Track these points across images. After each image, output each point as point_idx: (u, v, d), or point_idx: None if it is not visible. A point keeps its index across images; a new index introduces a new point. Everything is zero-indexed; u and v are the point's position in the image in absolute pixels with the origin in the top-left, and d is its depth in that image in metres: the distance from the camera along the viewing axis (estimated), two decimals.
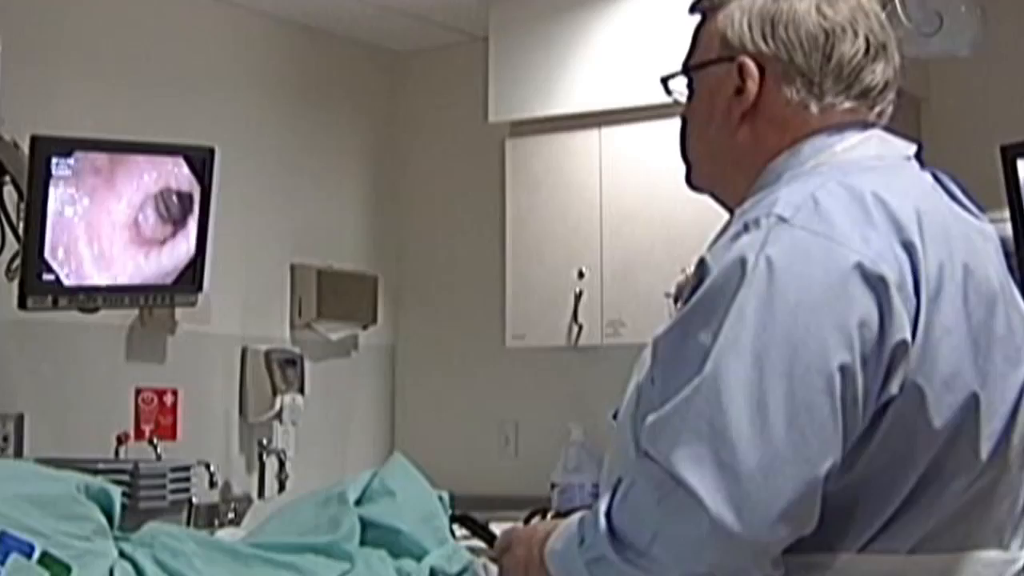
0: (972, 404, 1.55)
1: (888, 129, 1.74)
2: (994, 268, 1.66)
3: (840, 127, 1.67)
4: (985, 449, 1.58)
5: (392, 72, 5.58)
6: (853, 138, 1.67)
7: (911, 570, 1.56)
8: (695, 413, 1.46)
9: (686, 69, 1.79)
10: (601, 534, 1.53)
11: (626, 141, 4.64)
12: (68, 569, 2.36)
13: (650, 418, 1.52)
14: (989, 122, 4.37)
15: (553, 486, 4.46)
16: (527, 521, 1.88)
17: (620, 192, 4.64)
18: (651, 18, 4.59)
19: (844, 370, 1.47)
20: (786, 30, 1.66)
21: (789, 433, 1.44)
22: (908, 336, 1.51)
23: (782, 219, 1.53)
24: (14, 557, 2.26)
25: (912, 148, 1.73)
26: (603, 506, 1.55)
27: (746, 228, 1.56)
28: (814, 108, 1.67)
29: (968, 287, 1.58)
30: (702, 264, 1.57)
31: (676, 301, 1.96)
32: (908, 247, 1.54)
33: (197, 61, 4.80)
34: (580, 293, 4.69)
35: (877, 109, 1.71)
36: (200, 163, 4.00)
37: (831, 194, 1.56)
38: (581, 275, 4.69)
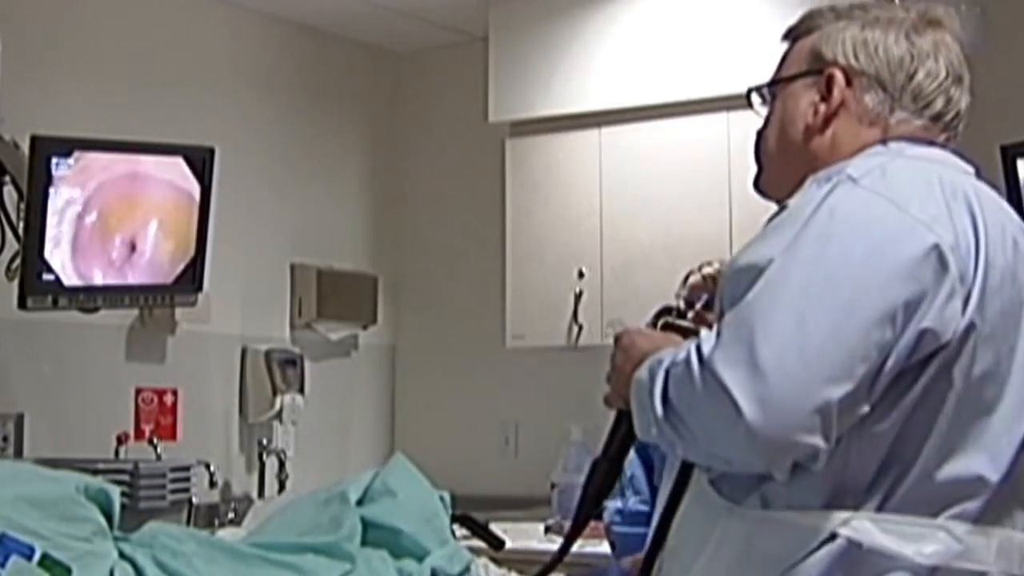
0: (1000, 368, 1.67)
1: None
2: None
3: (913, 139, 1.81)
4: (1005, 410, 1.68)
5: (392, 72, 5.58)
6: (923, 149, 1.80)
7: (936, 535, 1.63)
8: (740, 321, 1.61)
9: (774, 82, 1.93)
10: (658, 392, 1.66)
11: (626, 141, 4.64)
12: (68, 571, 2.36)
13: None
14: (989, 122, 4.35)
15: (553, 486, 4.46)
16: (656, 320, 1.96)
17: (620, 192, 4.64)
18: (651, 18, 4.60)
19: (885, 313, 1.59)
20: (876, 49, 1.83)
21: (820, 354, 1.57)
22: (959, 294, 1.63)
23: (851, 178, 1.69)
24: (14, 559, 2.26)
25: (972, 170, 1.84)
26: (666, 363, 1.66)
27: (818, 184, 1.72)
28: (892, 119, 1.82)
29: (1017, 261, 1.72)
30: (783, 208, 1.75)
31: (690, 305, 2.01)
32: (965, 217, 1.68)
33: (197, 61, 4.80)
34: (580, 293, 4.69)
35: (946, 135, 1.85)
36: (200, 163, 4.00)
37: (899, 167, 1.72)
38: (581, 275, 4.69)
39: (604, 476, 1.93)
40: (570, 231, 4.73)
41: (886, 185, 1.67)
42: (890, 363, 1.60)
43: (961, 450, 1.65)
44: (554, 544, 4.06)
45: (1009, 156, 3.74)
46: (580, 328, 4.69)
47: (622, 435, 1.88)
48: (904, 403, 1.63)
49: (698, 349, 1.62)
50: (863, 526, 1.62)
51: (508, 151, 4.89)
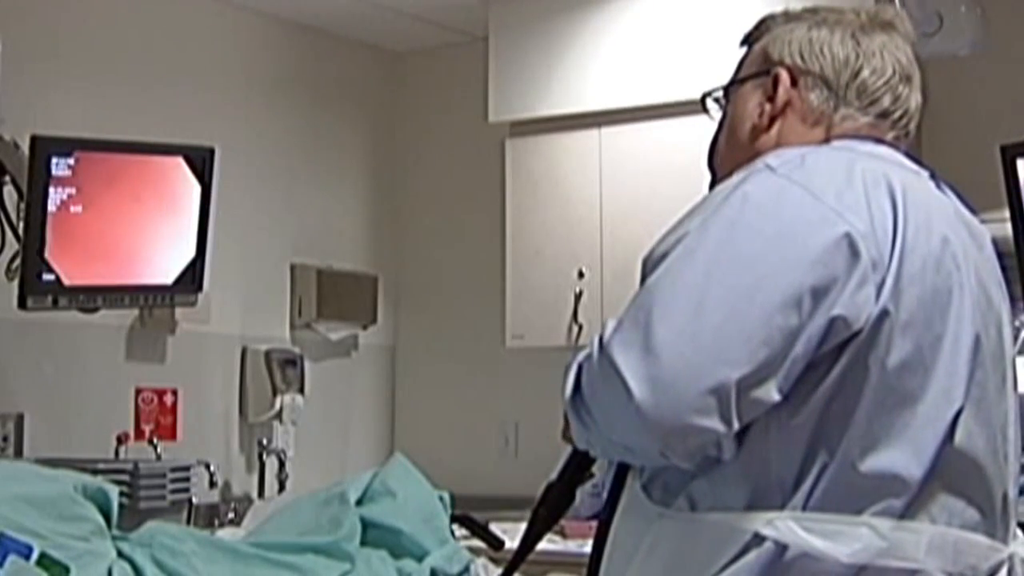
0: (923, 357, 1.64)
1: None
2: (983, 265, 1.77)
3: (859, 137, 1.81)
4: (933, 412, 1.65)
5: (392, 72, 5.58)
6: (871, 146, 1.80)
7: (859, 532, 1.61)
8: (638, 305, 1.63)
9: (727, 86, 1.94)
10: (570, 381, 1.69)
11: (626, 141, 4.64)
12: (66, 570, 2.36)
13: None
14: (989, 122, 4.36)
15: None
16: None
17: (620, 192, 4.64)
18: (651, 18, 4.59)
19: (789, 297, 1.58)
20: (821, 48, 1.84)
21: (716, 337, 1.57)
22: (872, 281, 1.61)
23: (769, 167, 1.69)
24: (12, 559, 2.26)
25: (925, 172, 1.83)
26: (582, 353, 1.71)
27: (738, 175, 1.71)
28: (837, 117, 1.83)
29: (944, 253, 1.69)
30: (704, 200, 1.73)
31: None
32: (884, 205, 1.66)
33: (197, 61, 4.80)
34: (580, 293, 4.69)
35: (894, 133, 1.84)
36: (200, 163, 4.00)
37: (820, 156, 1.72)
38: (581, 275, 4.69)
39: (557, 499, 1.97)
40: (570, 231, 4.73)
41: (803, 173, 1.66)
42: (799, 349, 1.58)
43: (884, 442, 1.61)
44: (554, 544, 4.07)
45: (1009, 156, 3.74)
46: (580, 328, 4.69)
47: (579, 459, 1.89)
48: (820, 393, 1.61)
49: (601, 335, 1.64)
50: (785, 525, 1.60)
51: (508, 151, 4.89)
